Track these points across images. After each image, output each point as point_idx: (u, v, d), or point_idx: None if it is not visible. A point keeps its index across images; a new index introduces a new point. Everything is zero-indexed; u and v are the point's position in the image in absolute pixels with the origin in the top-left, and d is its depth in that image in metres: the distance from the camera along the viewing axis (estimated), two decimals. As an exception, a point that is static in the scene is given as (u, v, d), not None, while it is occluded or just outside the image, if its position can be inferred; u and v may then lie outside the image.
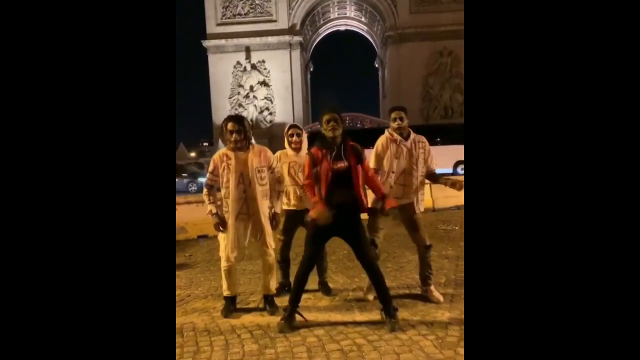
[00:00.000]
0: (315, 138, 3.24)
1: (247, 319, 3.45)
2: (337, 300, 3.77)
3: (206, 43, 33.73)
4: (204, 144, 29.72)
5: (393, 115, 3.62)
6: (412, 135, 3.65)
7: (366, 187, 3.24)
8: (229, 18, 33.21)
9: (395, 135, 3.61)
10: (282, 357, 2.73)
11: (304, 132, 3.93)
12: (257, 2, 32.98)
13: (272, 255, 3.61)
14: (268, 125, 34.28)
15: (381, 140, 3.66)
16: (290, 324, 3.16)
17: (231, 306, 3.60)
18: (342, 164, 3.07)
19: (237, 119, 3.44)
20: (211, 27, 33.67)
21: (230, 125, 3.36)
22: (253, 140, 3.57)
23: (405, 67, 33.69)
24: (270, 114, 34.40)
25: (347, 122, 28.40)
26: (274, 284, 3.68)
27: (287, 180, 3.80)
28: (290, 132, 3.87)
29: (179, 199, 8.35)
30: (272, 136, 32.87)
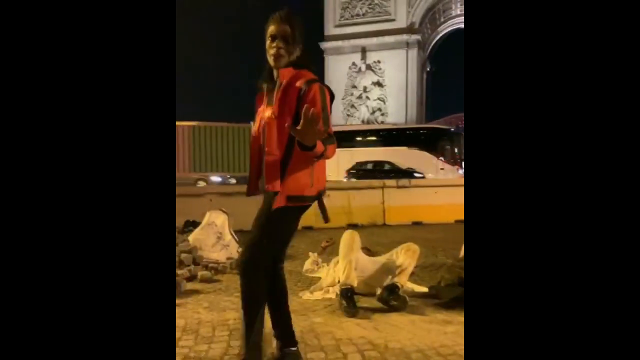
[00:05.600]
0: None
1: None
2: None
3: (324, 45, 34.84)
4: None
5: None
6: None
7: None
8: (347, 19, 33.79)
9: None
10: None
11: None
12: (376, 1, 32.96)
13: None
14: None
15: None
16: None
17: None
18: (268, 112, 1.74)
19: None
20: (329, 29, 34.67)
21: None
22: None
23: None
24: (383, 114, 34.09)
25: (451, 124, 26.45)
26: None
27: None
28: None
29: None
30: (383, 137, 32.57)
